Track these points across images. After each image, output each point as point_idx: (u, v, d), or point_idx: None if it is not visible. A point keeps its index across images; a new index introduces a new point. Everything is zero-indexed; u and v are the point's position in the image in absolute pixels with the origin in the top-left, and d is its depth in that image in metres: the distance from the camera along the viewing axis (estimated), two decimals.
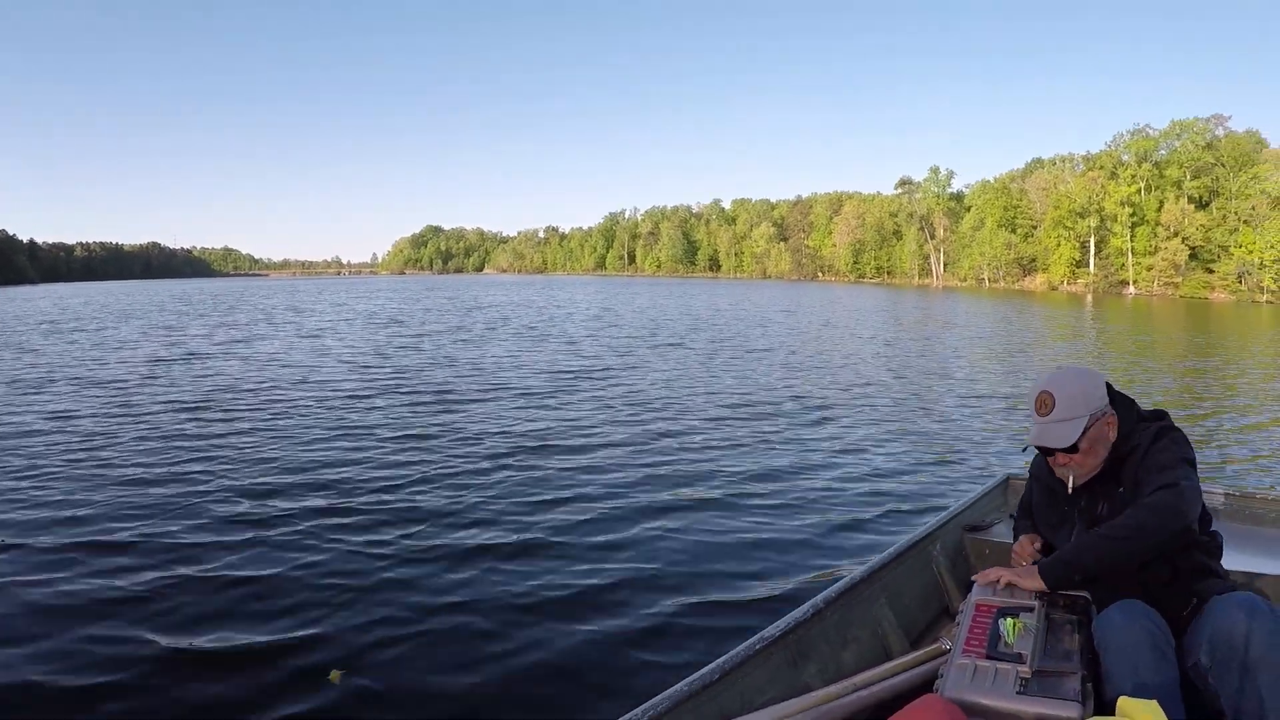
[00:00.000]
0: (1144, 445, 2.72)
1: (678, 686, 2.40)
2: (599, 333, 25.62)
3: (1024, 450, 2.96)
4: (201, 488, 7.59)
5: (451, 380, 14.67)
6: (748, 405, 12.44)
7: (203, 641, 4.49)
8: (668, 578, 5.41)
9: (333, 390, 13.58)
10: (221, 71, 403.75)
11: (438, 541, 6.11)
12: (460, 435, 10.00)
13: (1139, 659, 2.34)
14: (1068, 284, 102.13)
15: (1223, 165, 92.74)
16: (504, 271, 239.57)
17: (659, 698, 2.34)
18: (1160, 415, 2.85)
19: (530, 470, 8.38)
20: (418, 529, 6.41)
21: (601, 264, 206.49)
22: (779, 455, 9.22)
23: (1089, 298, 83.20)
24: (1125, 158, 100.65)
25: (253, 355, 19.04)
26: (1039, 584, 2.68)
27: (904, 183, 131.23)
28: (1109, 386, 2.86)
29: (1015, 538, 3.21)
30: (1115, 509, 2.73)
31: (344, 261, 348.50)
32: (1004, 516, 4.16)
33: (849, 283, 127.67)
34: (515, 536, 6.23)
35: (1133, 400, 2.90)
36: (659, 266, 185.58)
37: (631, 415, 11.46)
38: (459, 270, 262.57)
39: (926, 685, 2.63)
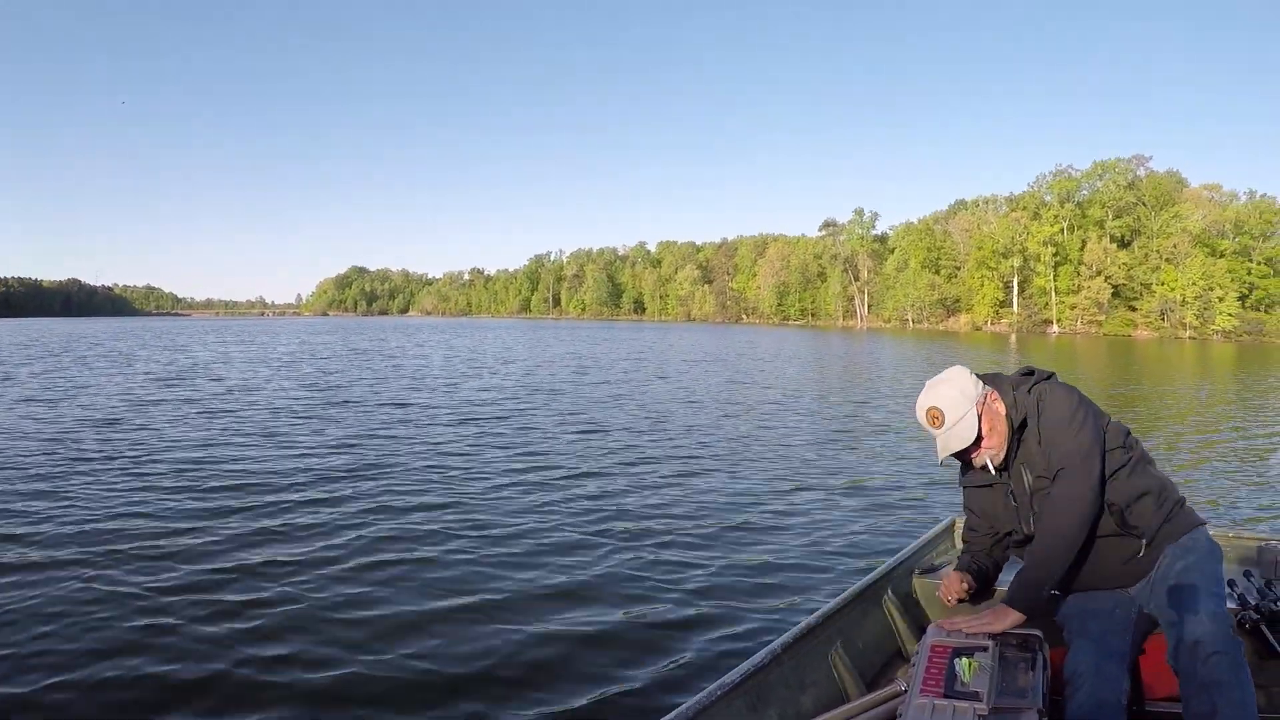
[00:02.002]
0: (1033, 411, 2.85)
1: None
2: (413, 401, 18.59)
3: (941, 464, 3.00)
4: None
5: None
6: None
7: None
8: (624, 630, 5.23)
9: None
10: (141, 104, 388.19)
11: None
12: None
13: (1096, 692, 2.56)
14: (991, 324, 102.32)
15: (1144, 204, 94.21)
16: (428, 314, 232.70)
17: None
18: (1028, 372, 2.99)
19: None
20: None
21: (526, 306, 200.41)
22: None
23: (1013, 337, 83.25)
24: (1048, 198, 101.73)
25: None
26: (1013, 618, 2.79)
27: (828, 225, 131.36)
28: (975, 374, 3.00)
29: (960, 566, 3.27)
30: (1038, 470, 2.85)
31: (268, 302, 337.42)
32: (953, 558, 4.10)
33: (773, 325, 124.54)
34: None
35: (998, 373, 3.04)
36: (584, 309, 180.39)
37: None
38: (383, 312, 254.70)
39: None
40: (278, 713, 4.15)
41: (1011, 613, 2.78)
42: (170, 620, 5.26)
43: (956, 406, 2.83)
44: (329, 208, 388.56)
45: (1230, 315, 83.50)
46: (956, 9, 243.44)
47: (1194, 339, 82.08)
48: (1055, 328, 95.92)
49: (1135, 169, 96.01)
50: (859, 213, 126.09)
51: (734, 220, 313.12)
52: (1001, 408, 2.87)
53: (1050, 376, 2.96)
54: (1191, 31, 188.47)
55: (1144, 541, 2.77)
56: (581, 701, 4.31)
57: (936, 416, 2.86)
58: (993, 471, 2.93)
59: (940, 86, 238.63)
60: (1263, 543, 4.03)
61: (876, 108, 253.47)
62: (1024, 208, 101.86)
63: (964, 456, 2.94)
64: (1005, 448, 2.88)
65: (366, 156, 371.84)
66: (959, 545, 4.39)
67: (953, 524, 4.54)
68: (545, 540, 7.18)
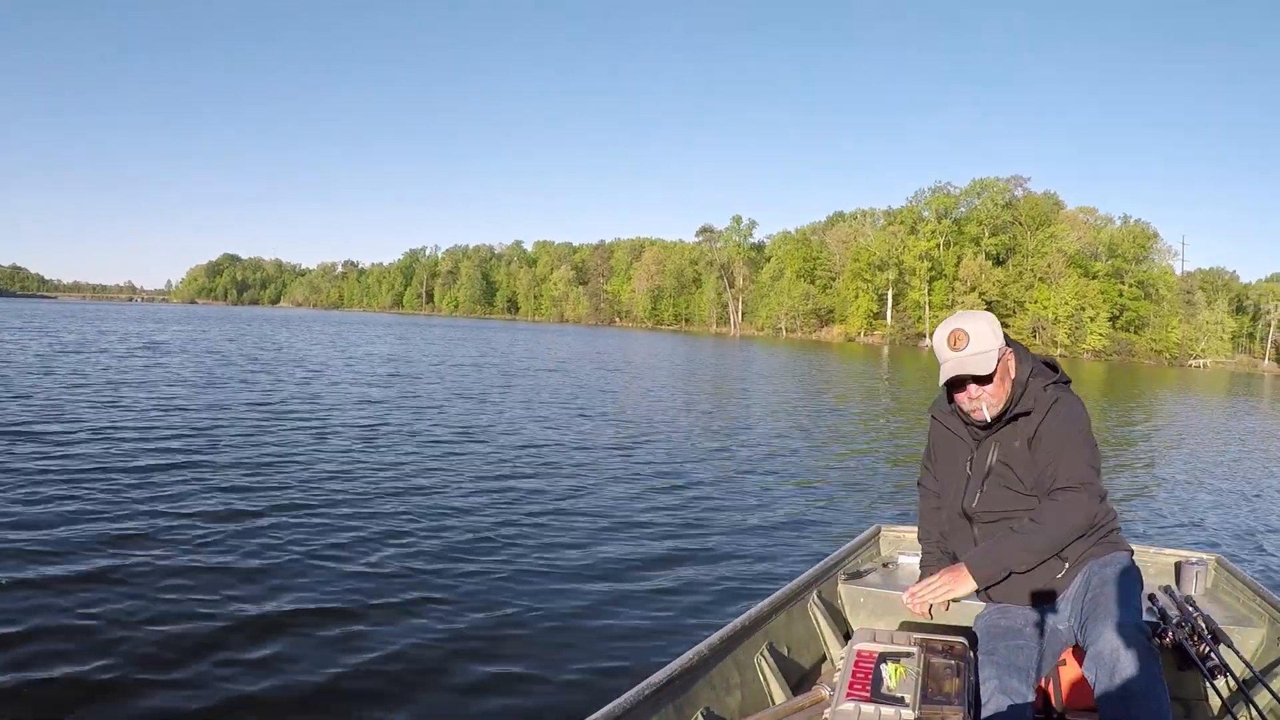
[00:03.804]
0: (1043, 408, 2.74)
1: None
2: (88, 425, 11.38)
3: (942, 384, 2.83)
4: None
5: None
6: None
7: None
8: (552, 631, 5.07)
9: None
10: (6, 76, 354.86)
11: None
12: None
13: (1000, 709, 2.48)
14: (864, 335, 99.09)
15: (1021, 224, 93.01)
16: (299, 305, 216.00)
17: None
18: (1052, 366, 2.88)
19: None
20: None
21: (399, 301, 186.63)
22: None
23: (886, 349, 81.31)
24: (925, 214, 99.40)
25: None
26: (969, 585, 2.73)
27: (705, 231, 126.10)
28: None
29: (921, 510, 3.21)
30: (1006, 459, 2.78)
31: (137, 287, 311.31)
32: (878, 565, 4.14)
33: (646, 330, 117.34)
34: None
35: (1021, 344, 2.90)
36: (457, 307, 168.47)
37: None
38: (254, 302, 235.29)
39: None
40: None
41: (969, 579, 2.70)
42: None
43: (984, 339, 2.70)
44: (204, 189, 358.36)
45: (1101, 335, 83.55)
46: (836, 21, 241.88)
47: (1065, 357, 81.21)
48: (928, 341, 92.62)
49: (1013, 189, 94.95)
50: (737, 220, 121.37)
51: (612, 222, 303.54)
52: (1014, 370, 2.76)
53: (1068, 382, 2.84)
54: (1074, 57, 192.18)
55: (1066, 564, 2.73)
56: (495, 705, 4.21)
57: (961, 338, 2.72)
58: (986, 418, 2.76)
59: (822, 98, 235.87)
60: (1182, 560, 4.01)
61: (757, 117, 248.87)
62: (901, 222, 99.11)
63: (963, 390, 2.76)
64: (999, 406, 2.75)
65: (242, 139, 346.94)
66: (884, 553, 4.43)
67: (878, 531, 4.52)
68: None
